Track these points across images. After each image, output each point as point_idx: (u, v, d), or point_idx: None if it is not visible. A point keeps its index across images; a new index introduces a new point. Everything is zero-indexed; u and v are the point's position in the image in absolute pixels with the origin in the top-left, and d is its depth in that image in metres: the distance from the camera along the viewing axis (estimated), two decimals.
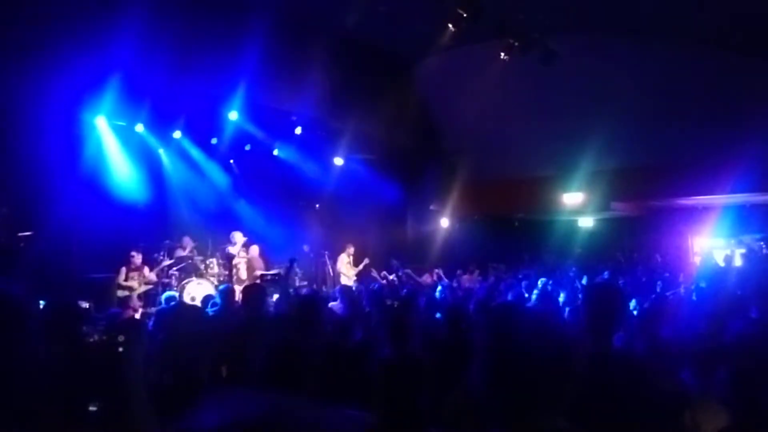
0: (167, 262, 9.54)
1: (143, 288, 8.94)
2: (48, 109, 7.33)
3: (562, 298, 6.56)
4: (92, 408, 2.34)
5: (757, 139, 9.59)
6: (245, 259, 10.46)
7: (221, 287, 5.91)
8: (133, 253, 9.04)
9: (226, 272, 10.24)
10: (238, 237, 10.32)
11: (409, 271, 10.91)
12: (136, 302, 7.99)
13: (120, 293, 8.64)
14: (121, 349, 2.14)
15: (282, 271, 9.69)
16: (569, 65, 9.57)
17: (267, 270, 10.52)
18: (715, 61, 9.68)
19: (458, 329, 3.83)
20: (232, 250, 10.25)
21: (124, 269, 8.90)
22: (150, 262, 9.31)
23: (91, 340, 4.03)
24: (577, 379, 1.31)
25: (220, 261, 10.30)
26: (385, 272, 10.70)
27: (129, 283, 8.83)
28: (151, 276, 9.15)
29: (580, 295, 6.43)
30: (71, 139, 8.43)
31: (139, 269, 9.03)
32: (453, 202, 13.64)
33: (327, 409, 1.74)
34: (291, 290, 7.94)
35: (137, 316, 6.99)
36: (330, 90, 10.02)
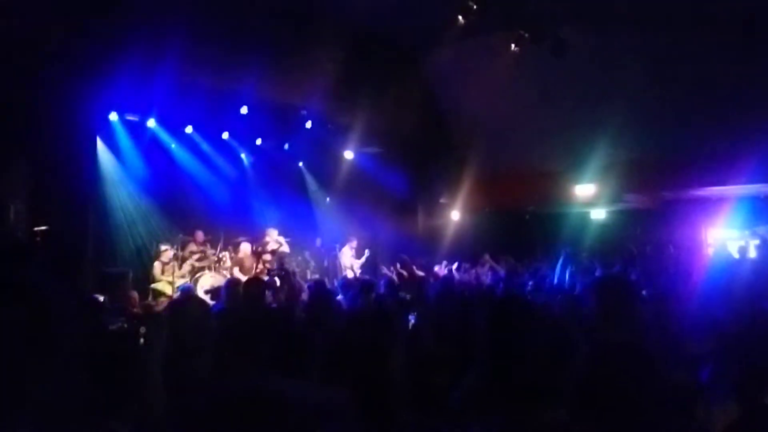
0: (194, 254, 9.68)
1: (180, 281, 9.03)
2: (62, 105, 7.40)
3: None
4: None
5: None
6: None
7: (225, 281, 5.96)
8: (165, 247, 9.19)
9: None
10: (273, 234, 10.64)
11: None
12: (134, 298, 8.06)
13: (156, 287, 8.89)
14: (142, 341, 2.18)
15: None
16: (580, 56, 9.49)
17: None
18: (729, 52, 9.54)
19: (466, 321, 3.85)
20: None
21: (158, 264, 9.09)
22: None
23: (112, 327, 4.11)
24: (579, 371, 1.33)
25: (233, 255, 10.38)
26: (397, 265, 10.73)
27: (166, 277, 9.00)
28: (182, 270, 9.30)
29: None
30: (85, 135, 8.51)
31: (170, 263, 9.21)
32: (463, 195, 13.59)
33: (302, 383, 1.78)
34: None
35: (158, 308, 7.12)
36: (340, 84, 10.02)
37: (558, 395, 1.34)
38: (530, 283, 7.53)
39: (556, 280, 6.91)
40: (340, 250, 11.66)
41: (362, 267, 11.55)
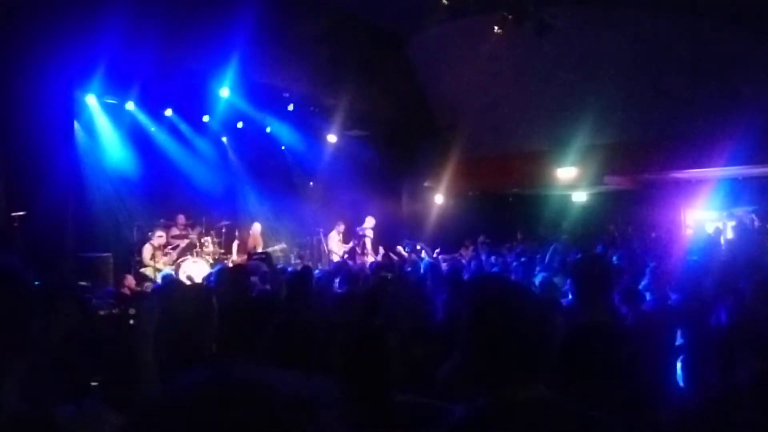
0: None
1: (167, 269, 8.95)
2: (38, 87, 7.23)
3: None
4: (94, 383, 2.38)
5: (749, 113, 9.59)
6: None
7: (216, 266, 5.95)
8: (161, 233, 9.14)
9: (221, 250, 10.29)
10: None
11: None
12: (131, 280, 8.02)
13: (148, 271, 8.83)
14: (132, 322, 2.17)
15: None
16: (563, 39, 9.49)
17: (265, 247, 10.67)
18: (709, 34, 9.62)
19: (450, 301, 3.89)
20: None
21: (149, 247, 9.00)
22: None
23: (102, 313, 4.08)
24: (557, 348, 1.36)
25: (215, 239, 10.32)
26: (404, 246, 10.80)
27: (156, 264, 8.92)
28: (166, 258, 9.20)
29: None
30: (63, 118, 8.34)
31: (161, 249, 9.13)
32: (447, 179, 13.64)
33: (293, 373, 1.79)
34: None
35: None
36: (322, 66, 9.92)
37: (536, 372, 1.36)
38: (513, 264, 7.60)
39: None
40: (324, 234, 11.64)
41: (349, 251, 11.55)
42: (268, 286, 5.16)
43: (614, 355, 1.97)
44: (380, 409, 1.82)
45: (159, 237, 9.18)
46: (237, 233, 10.87)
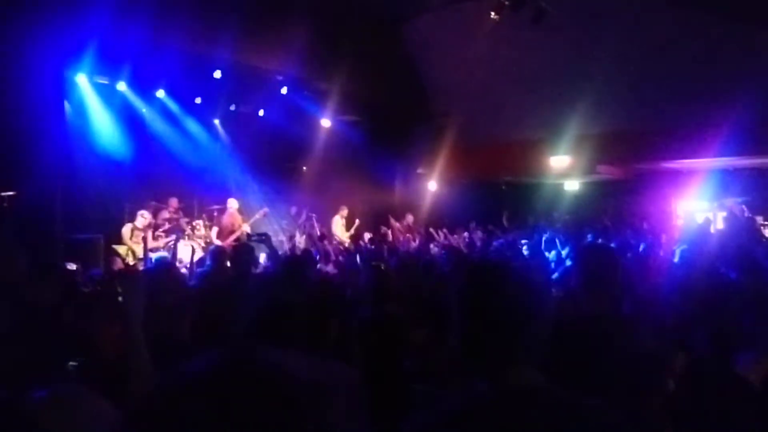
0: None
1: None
2: (27, 66, 7.11)
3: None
4: (72, 364, 2.34)
5: (741, 104, 9.62)
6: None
7: (212, 247, 5.91)
8: (144, 214, 8.85)
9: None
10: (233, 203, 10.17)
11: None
12: (119, 263, 7.96)
13: (121, 249, 8.53)
14: (120, 299, 2.13)
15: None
16: (557, 28, 9.46)
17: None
18: (701, 26, 9.62)
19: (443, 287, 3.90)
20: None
21: (129, 227, 8.75)
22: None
23: (87, 290, 4.04)
24: (553, 337, 1.36)
25: (207, 222, 10.25)
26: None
27: (132, 245, 8.66)
28: (155, 243, 8.87)
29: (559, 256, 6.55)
30: (53, 98, 8.22)
31: (144, 230, 8.82)
32: (441, 166, 13.62)
33: (311, 359, 1.77)
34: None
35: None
36: (316, 50, 9.82)
37: (531, 357, 1.36)
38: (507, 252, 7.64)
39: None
40: (316, 219, 11.59)
41: (352, 237, 11.51)
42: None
43: (614, 345, 1.97)
44: (394, 394, 1.82)
45: (141, 217, 8.88)
46: (215, 215, 10.37)
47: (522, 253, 6.86)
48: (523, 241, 8.17)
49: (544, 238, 7.42)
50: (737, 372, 2.12)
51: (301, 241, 10.22)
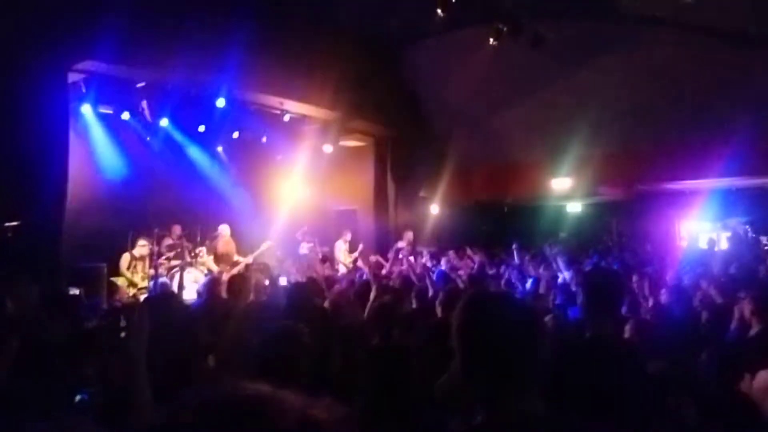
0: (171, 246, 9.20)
1: (144, 284, 8.58)
2: (32, 97, 7.21)
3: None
4: (80, 397, 2.33)
5: (742, 124, 9.67)
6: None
7: (206, 279, 5.90)
8: (144, 243, 8.71)
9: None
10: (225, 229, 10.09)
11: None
12: (123, 292, 7.94)
13: (119, 281, 8.42)
14: (123, 335, 2.13)
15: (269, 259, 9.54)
16: (558, 50, 9.58)
17: (237, 252, 10.07)
18: (701, 47, 9.73)
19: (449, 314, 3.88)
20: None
21: (127, 257, 8.63)
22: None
23: (90, 325, 4.03)
24: (554, 362, 1.36)
25: (209, 249, 10.22)
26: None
27: (131, 276, 8.59)
28: (151, 271, 8.64)
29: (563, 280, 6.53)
30: (57, 128, 8.31)
31: (143, 259, 8.71)
32: (442, 189, 13.65)
33: (304, 396, 1.76)
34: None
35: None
36: (318, 77, 9.95)
37: (532, 387, 1.36)
38: (506, 276, 7.63)
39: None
40: (318, 243, 11.56)
41: (355, 261, 11.45)
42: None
43: (615, 369, 1.96)
44: (400, 423, 1.80)
45: (141, 246, 8.72)
46: (207, 243, 10.11)
47: (524, 283, 6.84)
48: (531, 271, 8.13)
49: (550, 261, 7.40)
50: (742, 392, 2.10)
51: (291, 266, 10.16)
